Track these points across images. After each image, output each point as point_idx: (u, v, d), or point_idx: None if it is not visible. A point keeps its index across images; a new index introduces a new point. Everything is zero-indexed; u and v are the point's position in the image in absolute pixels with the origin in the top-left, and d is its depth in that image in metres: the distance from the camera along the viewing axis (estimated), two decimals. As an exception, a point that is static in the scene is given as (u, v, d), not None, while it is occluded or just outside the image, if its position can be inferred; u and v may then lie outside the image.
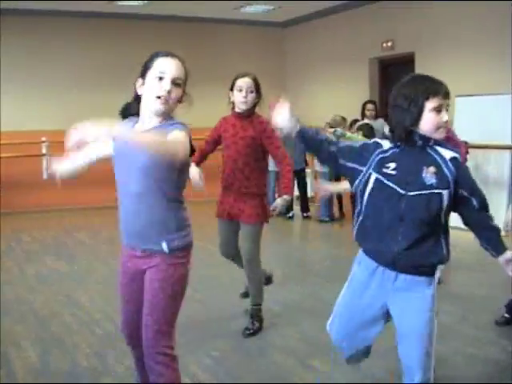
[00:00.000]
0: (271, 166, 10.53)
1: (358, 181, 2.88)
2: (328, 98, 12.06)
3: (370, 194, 2.84)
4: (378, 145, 2.89)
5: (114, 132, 2.61)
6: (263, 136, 4.81)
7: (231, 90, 4.97)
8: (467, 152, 6.72)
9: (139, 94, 2.98)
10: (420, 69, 10.21)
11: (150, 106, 2.92)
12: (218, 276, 6.51)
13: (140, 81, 2.96)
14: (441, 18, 9.72)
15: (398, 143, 2.84)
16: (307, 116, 11.95)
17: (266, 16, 12.80)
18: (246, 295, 5.43)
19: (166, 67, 2.90)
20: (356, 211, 2.95)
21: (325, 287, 5.97)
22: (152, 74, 2.90)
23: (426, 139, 2.79)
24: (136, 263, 3.12)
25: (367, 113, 9.72)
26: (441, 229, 2.85)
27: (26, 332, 5.04)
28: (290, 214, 10.48)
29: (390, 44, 10.86)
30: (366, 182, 2.84)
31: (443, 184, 2.75)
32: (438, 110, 2.77)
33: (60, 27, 11.87)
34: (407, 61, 10.50)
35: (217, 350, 4.56)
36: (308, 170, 10.80)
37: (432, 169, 2.76)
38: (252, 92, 4.89)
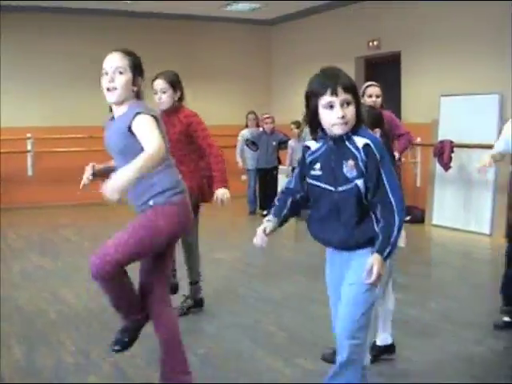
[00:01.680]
0: (251, 164, 10.66)
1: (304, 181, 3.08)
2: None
3: (311, 194, 3.04)
4: (306, 148, 3.05)
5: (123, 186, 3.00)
6: (190, 129, 5.01)
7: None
8: (411, 141, 6.69)
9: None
10: (406, 68, 10.27)
11: (107, 99, 3.36)
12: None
13: None
14: (427, 18, 9.76)
15: (321, 141, 2.96)
16: (293, 114, 11.99)
17: (253, 14, 12.81)
18: None
19: (107, 63, 3.33)
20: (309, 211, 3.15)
21: (309, 285, 5.99)
22: (102, 72, 3.34)
23: (330, 135, 2.90)
24: None
25: None
26: (369, 211, 2.90)
27: (11, 329, 5.01)
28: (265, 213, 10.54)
29: (376, 43, 10.90)
30: (308, 188, 3.05)
31: (359, 173, 2.84)
32: (330, 106, 2.83)
33: (44, 24, 11.83)
34: (393, 60, 10.54)
35: (202, 347, 4.57)
36: (284, 167, 10.78)
37: (351, 162, 2.84)
38: (165, 92, 5.05)
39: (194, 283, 5.37)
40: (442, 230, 9.16)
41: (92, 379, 4.06)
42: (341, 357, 2.93)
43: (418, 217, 9.45)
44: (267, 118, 10.60)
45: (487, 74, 8.70)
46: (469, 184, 8.90)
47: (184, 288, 5.44)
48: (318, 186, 2.95)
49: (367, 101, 6.30)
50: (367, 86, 6.39)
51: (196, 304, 5.41)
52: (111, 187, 2.94)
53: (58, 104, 11.86)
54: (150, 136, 3.12)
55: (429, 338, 4.74)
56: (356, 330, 2.90)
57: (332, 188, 2.90)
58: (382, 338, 4.25)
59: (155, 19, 12.50)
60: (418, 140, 9.51)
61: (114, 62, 3.32)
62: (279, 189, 10.88)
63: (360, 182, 2.84)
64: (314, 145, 3.01)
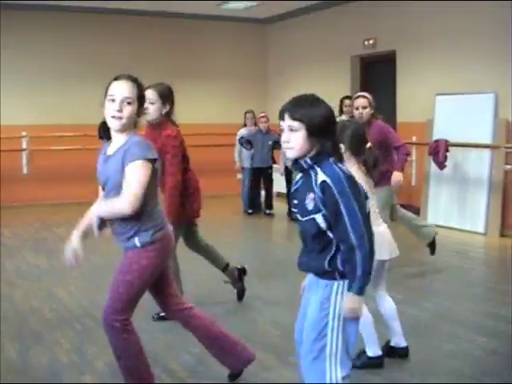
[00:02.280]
0: (246, 162, 10.65)
1: None
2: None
3: None
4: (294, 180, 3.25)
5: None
6: (163, 149, 4.88)
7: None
8: (408, 154, 6.68)
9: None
10: (401, 67, 10.27)
11: (110, 125, 3.38)
12: (195, 272, 6.50)
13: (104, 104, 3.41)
14: (422, 17, 9.77)
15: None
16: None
17: (248, 12, 12.79)
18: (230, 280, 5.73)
19: (115, 90, 3.34)
20: None
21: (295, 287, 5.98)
22: (107, 97, 3.36)
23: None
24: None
25: (345, 109, 9.49)
26: (331, 244, 2.93)
27: (6, 328, 5.00)
28: (268, 212, 10.61)
29: (371, 42, 10.90)
30: None
31: (316, 208, 2.88)
32: (281, 129, 2.97)
33: (38, 22, 11.80)
34: (389, 59, 10.55)
35: (196, 346, 4.56)
36: (276, 166, 10.81)
37: (311, 195, 2.88)
38: (153, 103, 4.94)
39: None
40: (436, 229, 9.16)
41: (87, 378, 4.06)
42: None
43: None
44: (262, 116, 10.59)
45: (482, 74, 8.71)
46: (464, 183, 8.91)
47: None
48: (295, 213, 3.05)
49: (355, 113, 6.35)
50: (354, 98, 6.48)
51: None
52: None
53: (53, 102, 11.83)
54: (133, 187, 3.28)
55: (423, 336, 4.75)
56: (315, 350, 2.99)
57: (300, 217, 2.98)
58: (394, 341, 4.34)
59: (150, 17, 12.48)
60: (414, 139, 9.53)
61: (124, 91, 3.33)
62: (274, 188, 10.92)
63: (318, 217, 2.88)
64: (296, 177, 3.11)
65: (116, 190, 3.37)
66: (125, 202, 3.28)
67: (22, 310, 5.52)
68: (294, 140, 2.89)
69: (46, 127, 11.54)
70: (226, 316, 5.29)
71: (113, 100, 3.31)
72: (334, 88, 11.08)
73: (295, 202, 3.01)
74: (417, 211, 9.57)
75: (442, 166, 8.73)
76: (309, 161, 2.90)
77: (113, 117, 3.32)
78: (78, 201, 11.49)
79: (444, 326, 5.00)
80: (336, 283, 2.94)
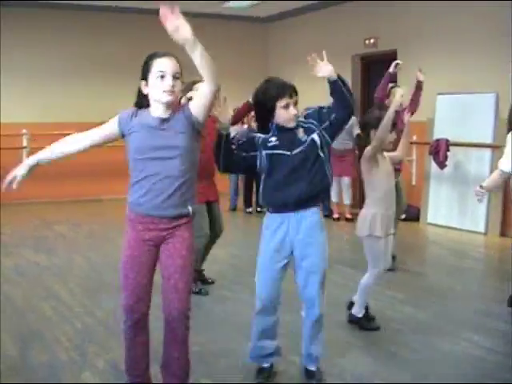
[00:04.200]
0: None
1: (258, 162, 3.64)
2: (310, 94, 12.05)
3: (268, 164, 3.61)
4: (256, 136, 3.69)
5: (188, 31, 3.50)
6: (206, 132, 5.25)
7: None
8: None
9: (145, 93, 3.40)
10: (402, 66, 10.24)
11: (160, 99, 3.34)
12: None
13: (143, 82, 3.39)
14: (423, 16, 9.76)
15: (272, 132, 3.64)
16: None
17: (249, 11, 12.78)
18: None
19: (166, 66, 3.38)
20: (262, 184, 3.72)
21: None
22: (153, 74, 3.35)
23: (283, 129, 3.61)
24: (157, 234, 3.42)
25: None
26: (324, 163, 3.63)
27: (5, 326, 5.00)
28: (250, 210, 10.67)
29: (372, 41, 10.89)
30: (262, 159, 3.63)
31: (311, 131, 3.62)
32: (285, 107, 3.57)
33: (39, 20, 11.77)
34: (389, 58, 10.49)
35: (196, 344, 4.57)
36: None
37: (301, 129, 3.62)
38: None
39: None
40: (437, 229, 9.17)
41: (87, 376, 4.06)
42: (317, 311, 3.78)
43: (413, 215, 9.46)
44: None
45: (483, 73, 8.70)
46: (464, 182, 8.91)
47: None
48: (275, 154, 3.59)
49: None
50: (392, 87, 6.93)
51: None
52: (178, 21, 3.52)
53: (54, 100, 11.82)
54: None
55: (423, 336, 4.75)
56: (323, 292, 3.76)
57: (288, 153, 3.58)
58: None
59: (150, 16, 12.42)
60: (414, 138, 9.52)
61: (174, 66, 3.40)
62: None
63: (315, 136, 3.61)
64: (260, 134, 3.68)
65: (183, 154, 3.34)
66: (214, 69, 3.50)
67: (21, 308, 5.52)
68: (295, 112, 3.62)
69: (47, 125, 11.52)
70: (225, 314, 5.29)
71: (163, 76, 3.34)
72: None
73: (276, 143, 3.58)
74: (417, 211, 9.59)
75: (442, 165, 8.73)
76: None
77: (165, 91, 3.32)
78: (77, 198, 11.53)
79: (444, 325, 5.00)
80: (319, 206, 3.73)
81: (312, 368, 3.92)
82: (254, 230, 4.25)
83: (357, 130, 9.40)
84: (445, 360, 4.31)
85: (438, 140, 8.80)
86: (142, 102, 3.44)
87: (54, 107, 11.80)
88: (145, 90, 3.40)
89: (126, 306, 3.47)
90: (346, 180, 9.81)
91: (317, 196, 3.66)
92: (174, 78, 3.37)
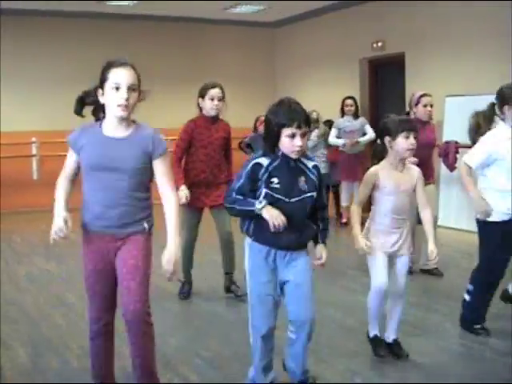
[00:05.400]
0: None
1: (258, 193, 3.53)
2: (318, 99, 12.06)
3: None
4: (258, 165, 3.49)
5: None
6: (228, 138, 5.90)
7: (202, 97, 5.73)
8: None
9: (102, 102, 3.39)
10: (410, 69, 10.25)
11: (114, 113, 3.32)
12: (204, 274, 6.50)
13: (100, 91, 3.36)
14: (431, 18, 9.75)
15: (273, 157, 3.48)
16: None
17: (256, 16, 12.81)
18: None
19: (120, 78, 3.29)
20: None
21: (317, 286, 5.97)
22: (109, 85, 3.29)
23: (287, 159, 3.48)
24: (113, 246, 3.49)
25: (346, 109, 9.40)
26: (318, 211, 3.67)
27: (16, 333, 5.02)
28: None
29: (380, 44, 10.88)
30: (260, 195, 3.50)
31: (312, 187, 3.55)
32: (291, 136, 3.39)
33: (47, 27, 11.85)
34: (397, 61, 10.53)
35: (207, 350, 4.56)
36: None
37: (303, 178, 3.51)
38: (220, 100, 5.74)
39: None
40: (447, 231, 9.13)
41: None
42: (307, 330, 3.72)
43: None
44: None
45: (492, 75, 8.66)
46: (474, 184, 8.86)
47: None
48: (276, 197, 3.46)
49: (423, 110, 6.38)
50: (424, 96, 6.49)
51: None
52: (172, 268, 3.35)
53: (63, 108, 11.72)
54: (171, 178, 3.49)
55: (434, 339, 4.73)
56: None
57: (287, 199, 3.47)
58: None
59: (158, 22, 12.51)
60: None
61: (129, 78, 3.30)
62: None
63: (315, 194, 3.54)
64: (265, 161, 3.49)
65: (132, 175, 3.35)
66: (174, 198, 3.44)
67: (32, 315, 5.53)
68: (305, 143, 3.48)
69: (56, 133, 11.53)
70: (235, 318, 5.28)
71: (117, 88, 3.27)
72: (343, 91, 11.04)
73: (277, 186, 3.45)
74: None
75: (452, 167, 8.68)
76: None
77: (119, 105, 3.27)
78: (88, 206, 11.52)
79: (453, 327, 4.97)
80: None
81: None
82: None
83: (369, 131, 9.39)
84: (456, 362, 4.29)
85: (447, 142, 8.75)
86: (98, 111, 3.47)
87: (63, 115, 11.76)
88: (101, 100, 3.37)
89: (93, 318, 3.59)
90: (357, 185, 9.77)
91: (305, 244, 3.67)
92: (130, 90, 3.29)
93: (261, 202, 3.42)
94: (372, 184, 4.19)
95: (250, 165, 3.49)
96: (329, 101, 11.33)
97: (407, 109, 6.81)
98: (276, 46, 14.02)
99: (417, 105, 6.52)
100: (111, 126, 3.39)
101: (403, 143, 4.09)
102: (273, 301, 3.66)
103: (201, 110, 5.75)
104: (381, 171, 4.18)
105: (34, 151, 11.62)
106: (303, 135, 3.41)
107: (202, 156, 5.70)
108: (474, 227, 8.40)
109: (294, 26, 13.26)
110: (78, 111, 3.56)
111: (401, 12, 10.29)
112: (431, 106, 6.52)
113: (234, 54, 13.38)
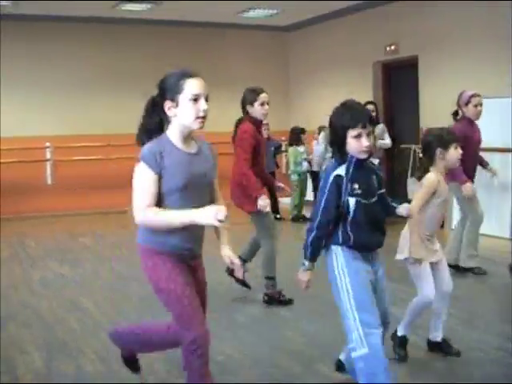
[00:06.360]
0: None
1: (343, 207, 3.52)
2: (331, 102, 11.91)
3: (354, 209, 3.49)
4: (339, 177, 3.47)
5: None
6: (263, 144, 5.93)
7: (251, 103, 5.76)
8: None
9: (169, 115, 3.20)
10: (423, 72, 10.22)
11: (191, 126, 3.20)
12: (218, 280, 6.49)
13: (169, 103, 3.17)
14: (444, 22, 9.71)
15: (348, 164, 3.47)
16: (310, 120, 11.96)
17: (269, 20, 12.81)
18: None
19: (200, 88, 3.19)
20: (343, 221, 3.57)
21: (326, 288, 5.94)
22: (185, 96, 3.14)
23: (359, 164, 3.48)
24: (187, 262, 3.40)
25: None
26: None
27: (31, 337, 5.04)
28: (278, 216, 10.64)
29: (393, 48, 10.85)
30: (348, 204, 3.49)
31: (381, 184, 3.65)
32: (357, 136, 3.39)
33: (62, 32, 11.88)
34: (411, 64, 10.50)
35: (220, 353, 4.56)
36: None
37: (374, 177, 3.59)
38: (268, 104, 5.78)
39: None
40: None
41: (112, 387, 4.06)
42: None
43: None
44: (265, 124, 10.72)
45: (506, 78, 8.63)
46: (488, 188, 8.82)
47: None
48: (361, 202, 3.47)
49: (474, 110, 6.38)
50: (475, 96, 6.53)
51: None
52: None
53: (77, 113, 11.90)
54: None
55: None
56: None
57: (366, 201, 3.48)
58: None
59: (171, 26, 12.54)
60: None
61: (206, 88, 3.21)
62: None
63: (384, 190, 3.64)
64: (342, 171, 3.47)
65: (209, 186, 3.38)
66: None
67: (47, 320, 5.54)
68: (371, 142, 3.45)
69: (70, 137, 11.62)
70: (248, 322, 5.28)
71: (196, 99, 3.15)
72: (357, 94, 10.95)
73: (359, 191, 3.45)
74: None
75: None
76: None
77: (199, 117, 3.16)
78: (101, 210, 11.57)
79: (471, 332, 4.95)
80: None
81: None
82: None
83: (387, 138, 9.49)
84: (474, 368, 4.26)
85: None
86: (150, 123, 3.27)
87: (76, 120, 11.87)
88: (170, 112, 3.18)
89: (199, 336, 3.27)
90: None
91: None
92: (206, 101, 3.19)
93: (309, 269, 3.66)
94: (434, 191, 4.28)
95: (331, 178, 3.47)
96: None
97: (455, 107, 6.73)
98: (289, 50, 14.02)
99: (467, 104, 6.54)
100: (182, 141, 3.25)
101: (455, 153, 4.33)
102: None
103: (247, 113, 5.81)
104: (439, 179, 4.31)
105: (48, 156, 11.67)
106: (368, 135, 3.41)
107: (260, 158, 5.80)
108: (488, 230, 8.35)
109: (306, 30, 13.25)
110: (144, 141, 3.27)
111: (414, 15, 10.26)
112: (481, 105, 6.55)
113: (247, 58, 13.40)
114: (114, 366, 4.36)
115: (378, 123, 9.62)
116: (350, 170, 3.46)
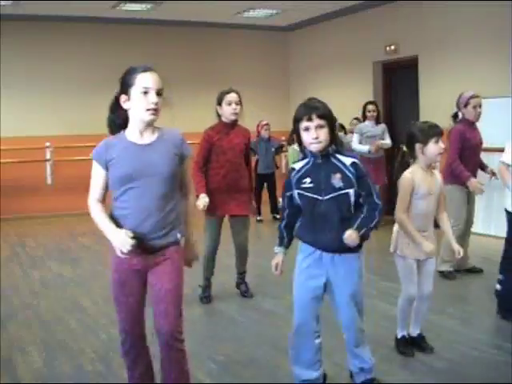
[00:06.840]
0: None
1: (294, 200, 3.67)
2: (331, 102, 11.91)
3: (301, 203, 3.62)
4: (292, 170, 3.68)
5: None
6: (247, 143, 5.94)
7: (219, 104, 5.76)
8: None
9: (125, 108, 3.31)
10: (424, 72, 10.22)
11: (142, 118, 3.27)
12: (218, 279, 6.50)
13: (124, 97, 3.28)
14: (444, 22, 9.71)
15: (308, 158, 3.59)
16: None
17: (270, 20, 12.81)
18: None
19: (151, 82, 3.25)
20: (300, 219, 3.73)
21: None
22: (137, 89, 3.23)
23: (312, 154, 3.56)
24: (144, 259, 3.37)
25: (368, 114, 9.49)
26: (354, 217, 3.55)
27: (31, 337, 5.04)
28: (259, 218, 10.68)
29: (393, 47, 10.85)
30: (294, 196, 3.65)
31: (349, 185, 3.50)
32: (306, 129, 3.48)
33: (62, 32, 11.87)
34: (411, 64, 10.50)
35: (221, 354, 4.56)
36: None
37: (338, 175, 3.50)
38: (238, 104, 5.75)
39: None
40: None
41: (112, 387, 4.06)
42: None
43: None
44: (265, 124, 10.77)
45: (506, 78, 8.63)
46: (488, 187, 8.82)
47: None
48: (308, 196, 3.55)
49: (473, 112, 6.34)
50: (474, 97, 6.46)
51: None
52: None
53: (77, 113, 11.89)
54: (190, 182, 3.57)
55: (448, 342, 4.70)
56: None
57: (320, 197, 3.52)
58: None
59: (171, 27, 12.54)
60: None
61: (158, 82, 3.26)
62: (278, 192, 11.00)
63: (351, 191, 3.51)
64: (299, 165, 3.64)
65: (167, 179, 3.28)
66: (192, 196, 3.54)
67: (47, 319, 5.55)
68: (322, 135, 3.45)
69: (70, 138, 11.61)
70: (249, 322, 5.28)
71: (146, 92, 3.22)
72: (357, 95, 11.05)
73: (310, 185, 3.54)
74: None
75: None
76: (330, 150, 3.53)
77: (149, 109, 3.22)
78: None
79: (470, 332, 4.95)
80: (360, 253, 3.65)
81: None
82: (272, 239, 4.22)
83: (387, 138, 9.48)
84: (474, 368, 4.26)
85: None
86: (116, 122, 3.37)
87: (76, 120, 11.86)
88: (125, 106, 3.29)
89: (122, 329, 3.46)
90: (377, 188, 9.75)
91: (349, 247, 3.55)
92: (158, 94, 3.25)
93: (280, 253, 3.85)
94: (411, 189, 4.25)
95: (289, 172, 3.70)
96: (342, 105, 11.33)
97: (455, 107, 6.69)
98: (289, 50, 14.02)
99: (466, 106, 6.49)
100: (137, 133, 3.33)
101: (434, 148, 4.24)
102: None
103: (219, 117, 5.78)
104: (414, 176, 4.27)
105: (48, 156, 11.67)
106: (319, 128, 3.44)
107: (223, 162, 5.73)
108: (488, 230, 8.37)
109: (307, 29, 13.25)
110: (114, 131, 3.42)
111: (414, 15, 10.26)
112: (480, 106, 6.50)
113: (248, 58, 13.40)
114: (114, 366, 4.36)
115: (379, 123, 9.63)
116: (307, 166, 3.60)
